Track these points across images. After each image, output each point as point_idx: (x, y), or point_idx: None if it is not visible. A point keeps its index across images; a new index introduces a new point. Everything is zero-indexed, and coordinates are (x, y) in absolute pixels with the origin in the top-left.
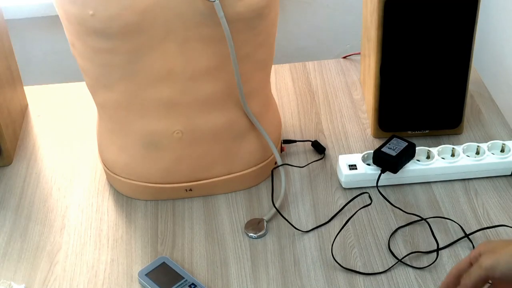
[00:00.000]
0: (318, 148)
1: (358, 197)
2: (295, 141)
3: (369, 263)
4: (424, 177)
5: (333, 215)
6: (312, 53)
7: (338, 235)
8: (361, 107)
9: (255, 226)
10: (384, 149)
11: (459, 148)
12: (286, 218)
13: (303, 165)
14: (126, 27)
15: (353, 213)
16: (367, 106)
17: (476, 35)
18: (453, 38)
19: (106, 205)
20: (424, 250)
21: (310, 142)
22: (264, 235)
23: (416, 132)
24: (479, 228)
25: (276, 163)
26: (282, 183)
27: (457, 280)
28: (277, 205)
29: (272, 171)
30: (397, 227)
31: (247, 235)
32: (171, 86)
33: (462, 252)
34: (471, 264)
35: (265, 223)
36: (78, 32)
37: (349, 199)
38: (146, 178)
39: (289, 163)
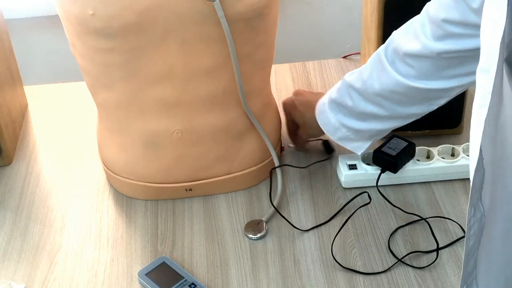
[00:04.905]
0: (327, 148)
1: (358, 197)
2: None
3: (369, 263)
4: (424, 177)
5: (333, 215)
6: (312, 53)
7: (338, 234)
8: None
9: (255, 227)
10: (384, 149)
11: (459, 148)
12: (286, 217)
13: (305, 166)
14: (126, 27)
15: (352, 212)
16: None
17: None
18: None
19: (106, 205)
20: (424, 250)
21: (320, 141)
22: (264, 236)
23: (416, 131)
24: None
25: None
26: (279, 182)
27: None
28: (275, 204)
29: (270, 171)
30: (397, 226)
31: (247, 236)
32: (171, 85)
33: (462, 251)
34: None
35: (264, 224)
36: (78, 32)
37: (349, 199)
38: (146, 177)
39: (289, 163)
